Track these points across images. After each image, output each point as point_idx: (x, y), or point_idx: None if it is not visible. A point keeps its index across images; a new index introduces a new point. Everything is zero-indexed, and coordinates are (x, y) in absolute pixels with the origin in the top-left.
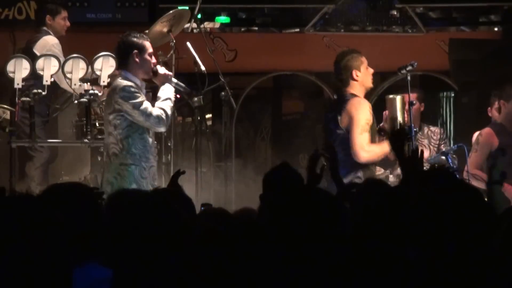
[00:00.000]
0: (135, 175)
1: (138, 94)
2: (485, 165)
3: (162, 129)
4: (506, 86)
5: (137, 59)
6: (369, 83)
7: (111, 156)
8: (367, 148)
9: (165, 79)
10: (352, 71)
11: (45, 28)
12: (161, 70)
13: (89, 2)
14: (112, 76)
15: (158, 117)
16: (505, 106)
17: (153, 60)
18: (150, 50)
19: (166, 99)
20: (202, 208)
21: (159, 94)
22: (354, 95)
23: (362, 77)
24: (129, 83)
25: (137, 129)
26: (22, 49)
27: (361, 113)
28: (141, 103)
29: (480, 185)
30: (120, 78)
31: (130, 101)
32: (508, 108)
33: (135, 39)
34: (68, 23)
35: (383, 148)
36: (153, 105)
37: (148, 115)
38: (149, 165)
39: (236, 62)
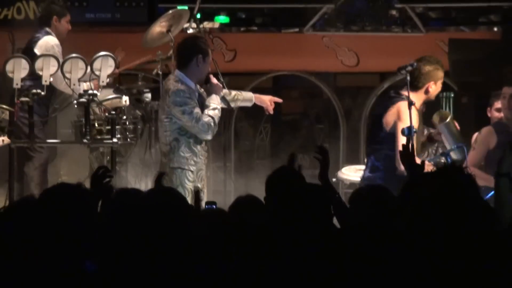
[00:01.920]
0: (181, 178)
1: (189, 100)
2: (483, 163)
3: (209, 137)
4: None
5: (198, 64)
6: (433, 98)
7: (162, 155)
8: None
9: (216, 90)
10: (430, 82)
11: (47, 28)
12: (214, 79)
13: (88, 2)
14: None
15: (206, 125)
16: (498, 104)
17: (209, 68)
18: (211, 58)
19: (215, 108)
20: (206, 206)
21: (209, 102)
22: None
23: (434, 91)
24: (182, 87)
25: (185, 132)
26: (23, 49)
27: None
28: (191, 109)
29: (481, 183)
30: (174, 80)
31: (181, 107)
32: (501, 105)
33: (202, 45)
34: (70, 27)
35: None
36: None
37: (197, 121)
38: (197, 168)
39: (236, 62)
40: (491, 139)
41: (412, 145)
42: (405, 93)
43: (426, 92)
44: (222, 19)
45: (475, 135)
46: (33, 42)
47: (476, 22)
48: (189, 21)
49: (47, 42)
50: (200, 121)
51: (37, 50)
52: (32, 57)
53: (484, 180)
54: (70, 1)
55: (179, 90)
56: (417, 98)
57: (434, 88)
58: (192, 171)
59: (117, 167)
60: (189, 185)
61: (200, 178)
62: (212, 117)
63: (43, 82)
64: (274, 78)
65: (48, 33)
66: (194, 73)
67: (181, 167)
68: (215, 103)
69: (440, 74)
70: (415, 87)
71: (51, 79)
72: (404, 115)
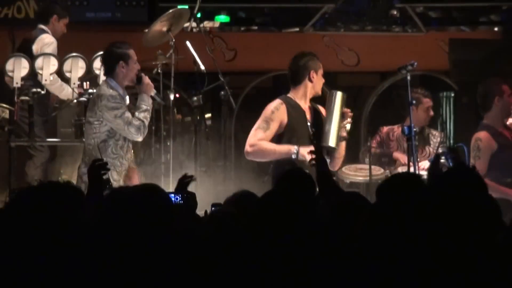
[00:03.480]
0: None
1: (121, 104)
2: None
3: (140, 139)
4: (499, 83)
5: (123, 69)
6: (319, 89)
7: (88, 155)
8: (253, 142)
9: (147, 88)
10: (310, 71)
11: (43, 26)
12: (146, 79)
13: (88, 1)
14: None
15: (137, 127)
16: (499, 102)
17: (138, 67)
18: (135, 58)
19: (146, 110)
20: (213, 208)
21: (139, 104)
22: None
23: (317, 80)
24: (114, 93)
25: (114, 135)
26: (17, 48)
27: (267, 112)
28: (123, 113)
29: (496, 195)
30: (105, 86)
31: (113, 111)
32: (501, 103)
33: (120, 50)
34: (65, 30)
35: (275, 147)
36: (133, 114)
37: (128, 125)
38: (123, 168)
39: (236, 61)
40: (492, 144)
41: (414, 145)
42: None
43: (310, 80)
44: (223, 18)
45: (474, 141)
46: (29, 40)
47: (476, 22)
48: (189, 20)
49: (43, 39)
50: (131, 124)
51: (34, 48)
52: (29, 55)
53: (501, 192)
54: (71, 0)
55: (112, 96)
56: (304, 92)
57: (316, 77)
58: (117, 172)
59: None
60: (115, 184)
61: (123, 178)
62: (142, 120)
63: (43, 82)
64: (274, 78)
65: (44, 31)
66: (122, 78)
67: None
68: (145, 105)
69: (318, 63)
70: (298, 81)
71: (51, 77)
72: (265, 110)
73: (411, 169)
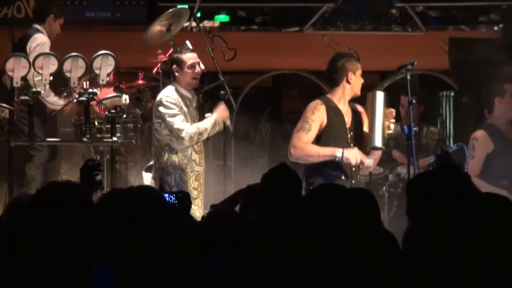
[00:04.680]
0: (176, 179)
1: (174, 106)
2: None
3: (181, 146)
4: (501, 83)
5: (176, 73)
6: (358, 90)
7: (154, 157)
8: (297, 144)
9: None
10: (348, 73)
11: (38, 26)
12: (222, 105)
13: (88, 0)
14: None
15: (189, 134)
16: (500, 102)
17: (197, 69)
18: (190, 62)
19: (206, 123)
20: (212, 209)
21: (207, 118)
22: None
23: (355, 82)
24: (168, 95)
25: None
26: (12, 47)
27: (307, 112)
28: (172, 115)
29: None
30: (166, 88)
31: (164, 111)
32: (503, 103)
33: (174, 55)
34: (60, 31)
35: (319, 150)
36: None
37: (171, 127)
38: (191, 169)
39: (236, 61)
40: (489, 144)
41: (414, 144)
42: (328, 95)
43: (348, 82)
44: (222, 18)
45: (470, 141)
46: (23, 40)
47: (476, 21)
48: (189, 19)
49: (36, 39)
50: (176, 127)
51: (27, 47)
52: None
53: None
54: (71, 0)
55: (164, 97)
56: (342, 94)
57: (354, 78)
58: (185, 172)
59: (117, 165)
60: (184, 185)
61: (195, 177)
62: (198, 128)
63: (43, 81)
64: (274, 77)
65: (38, 31)
66: (180, 82)
67: (174, 169)
68: (210, 120)
69: (356, 64)
70: (336, 83)
71: (50, 78)
72: (305, 111)
73: (411, 169)
